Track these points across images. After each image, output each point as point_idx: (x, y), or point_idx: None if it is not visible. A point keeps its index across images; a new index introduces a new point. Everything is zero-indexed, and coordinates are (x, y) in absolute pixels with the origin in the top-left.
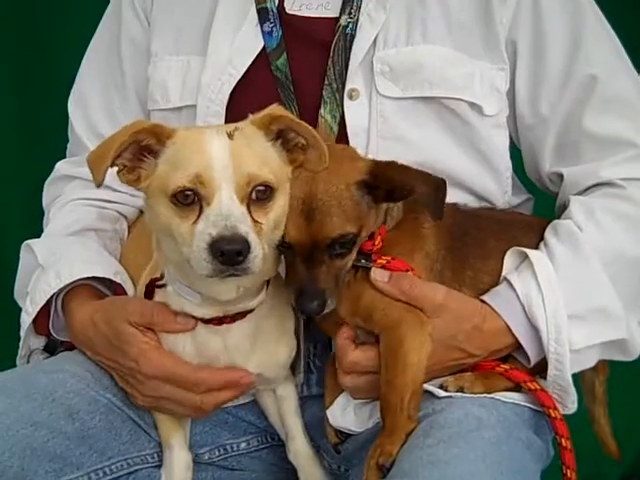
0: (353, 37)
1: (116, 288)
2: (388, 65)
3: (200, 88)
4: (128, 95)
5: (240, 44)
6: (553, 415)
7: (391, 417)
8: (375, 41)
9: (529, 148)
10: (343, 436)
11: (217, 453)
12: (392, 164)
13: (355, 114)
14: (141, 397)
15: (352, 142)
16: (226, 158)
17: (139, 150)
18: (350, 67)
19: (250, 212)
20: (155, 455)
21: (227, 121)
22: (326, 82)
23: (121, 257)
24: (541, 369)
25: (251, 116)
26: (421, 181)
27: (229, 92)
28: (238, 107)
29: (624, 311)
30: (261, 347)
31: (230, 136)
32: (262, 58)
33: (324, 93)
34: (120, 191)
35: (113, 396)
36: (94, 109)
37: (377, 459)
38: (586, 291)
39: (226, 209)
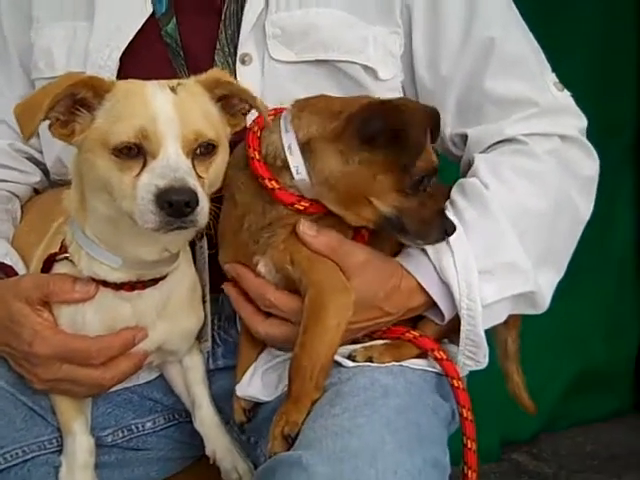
0: (244, 1)
1: (8, 271)
2: (280, 28)
3: (88, 55)
4: (11, 66)
5: (128, 9)
6: (456, 385)
7: (299, 383)
8: (267, 4)
9: None
10: (250, 414)
11: (121, 434)
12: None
13: (248, 79)
14: (39, 381)
15: None
16: (171, 112)
17: (73, 103)
18: (242, 31)
19: (194, 167)
20: (53, 440)
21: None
22: (218, 47)
23: (14, 238)
24: (455, 327)
25: (194, 76)
26: None
27: (118, 57)
28: (129, 74)
29: (532, 265)
30: (169, 316)
31: (173, 90)
32: (152, 23)
33: (216, 58)
34: (11, 168)
35: (5, 382)
36: None
37: (282, 428)
38: (494, 247)
39: (173, 162)
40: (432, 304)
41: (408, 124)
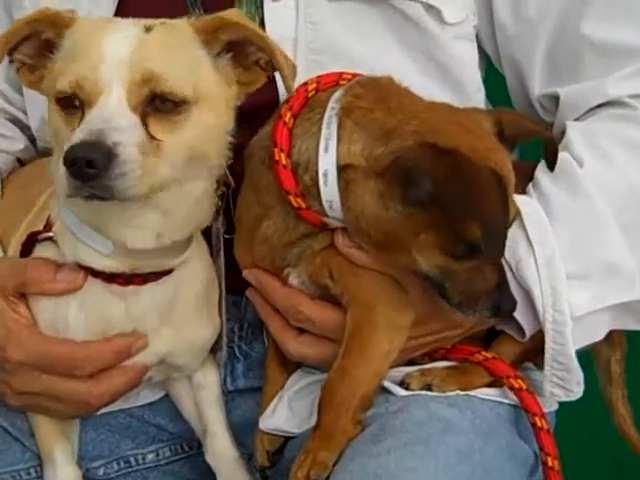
0: None
1: None
2: None
3: None
4: None
5: None
6: (538, 424)
7: (332, 415)
8: None
9: (514, 66)
10: (275, 458)
11: (116, 467)
12: (505, 110)
13: (278, 19)
14: (12, 394)
15: None
16: (124, 54)
17: (41, 45)
18: None
19: (147, 124)
20: (31, 470)
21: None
22: None
23: None
24: (541, 346)
25: (192, 18)
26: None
27: None
28: (130, 13)
29: (638, 266)
30: (176, 322)
31: (148, 29)
32: None
33: None
34: None
35: None
36: None
37: (308, 470)
38: (589, 242)
39: (108, 113)
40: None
41: (471, 192)
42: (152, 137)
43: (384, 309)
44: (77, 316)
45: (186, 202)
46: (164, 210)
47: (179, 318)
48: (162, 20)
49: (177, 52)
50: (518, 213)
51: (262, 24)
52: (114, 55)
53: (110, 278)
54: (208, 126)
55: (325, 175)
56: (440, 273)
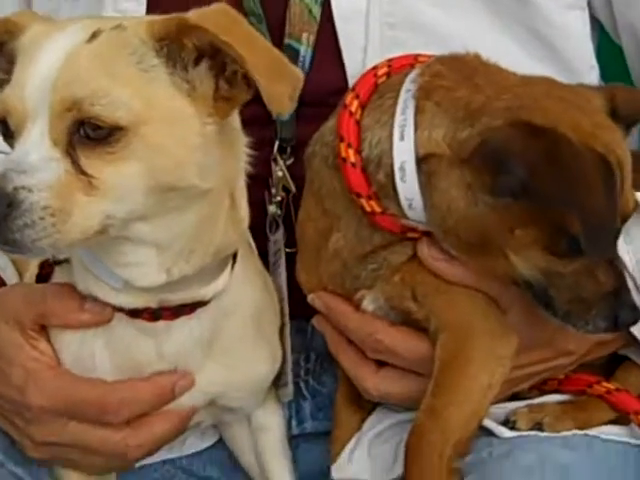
0: None
1: None
2: None
3: None
4: None
5: None
6: None
7: (422, 464)
8: None
9: (634, 36)
10: None
11: None
12: (619, 86)
13: None
14: (35, 446)
15: (342, 31)
16: (54, 71)
17: (8, 58)
18: None
19: (77, 158)
20: None
21: (150, 8)
22: None
23: None
24: None
25: (154, 16)
26: None
27: None
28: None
29: None
30: (224, 358)
31: (94, 35)
32: None
33: None
34: None
35: None
36: None
37: None
38: None
39: (22, 151)
40: (633, 338)
41: (569, 179)
42: (83, 172)
43: (482, 335)
44: (102, 355)
45: (181, 233)
46: (155, 244)
47: (227, 353)
48: (117, 22)
49: (118, 65)
50: (637, 207)
51: None
52: (43, 74)
53: (134, 313)
54: (168, 149)
55: (402, 169)
56: (543, 276)
